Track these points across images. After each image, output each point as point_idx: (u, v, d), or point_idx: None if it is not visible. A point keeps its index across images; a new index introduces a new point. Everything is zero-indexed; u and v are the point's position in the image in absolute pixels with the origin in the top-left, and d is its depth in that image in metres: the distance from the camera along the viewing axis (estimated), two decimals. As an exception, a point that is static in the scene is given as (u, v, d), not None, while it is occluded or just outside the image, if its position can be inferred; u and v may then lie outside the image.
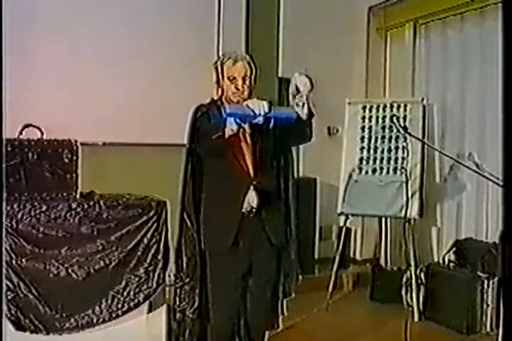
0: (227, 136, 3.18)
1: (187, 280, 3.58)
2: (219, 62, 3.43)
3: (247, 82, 3.39)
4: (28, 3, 5.01)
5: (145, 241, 3.79)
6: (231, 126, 3.15)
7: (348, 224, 5.47)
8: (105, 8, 5.31)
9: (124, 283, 3.77)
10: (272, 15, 6.06)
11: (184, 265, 3.55)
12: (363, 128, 5.47)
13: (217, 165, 3.38)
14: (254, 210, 3.34)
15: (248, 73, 3.39)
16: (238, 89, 3.37)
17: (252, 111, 3.13)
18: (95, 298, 3.73)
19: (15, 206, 3.58)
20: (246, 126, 3.30)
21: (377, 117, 5.43)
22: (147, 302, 3.82)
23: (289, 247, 3.59)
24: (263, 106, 3.14)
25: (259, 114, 3.13)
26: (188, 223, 3.46)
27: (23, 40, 4.86)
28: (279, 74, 6.13)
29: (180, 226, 3.51)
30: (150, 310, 3.84)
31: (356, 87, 6.39)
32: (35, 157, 3.73)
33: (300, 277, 3.68)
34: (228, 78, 3.39)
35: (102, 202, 3.76)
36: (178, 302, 3.61)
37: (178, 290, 3.63)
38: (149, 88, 5.35)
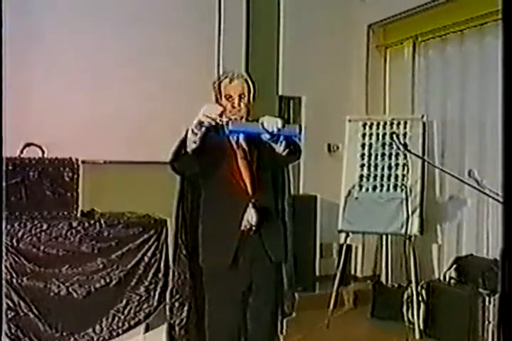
0: (189, 149, 3.17)
1: (177, 296, 3.58)
2: (217, 82, 3.45)
3: (244, 100, 3.38)
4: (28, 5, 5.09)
5: (146, 259, 3.80)
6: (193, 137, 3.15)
7: (348, 242, 5.47)
8: (102, 23, 5.37)
9: (124, 301, 3.78)
10: (272, 34, 6.11)
11: (175, 282, 3.56)
12: (363, 145, 5.48)
13: (215, 182, 3.37)
14: (253, 228, 3.33)
15: (245, 91, 3.39)
16: (234, 107, 3.36)
17: (263, 127, 3.11)
18: (96, 316, 3.73)
19: (15, 224, 3.59)
20: (243, 143, 3.31)
21: (378, 134, 5.44)
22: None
23: (287, 265, 3.59)
24: (276, 122, 3.13)
25: (272, 131, 3.11)
26: (179, 241, 3.47)
27: (23, 55, 4.88)
28: (280, 93, 6.18)
29: (174, 243, 3.51)
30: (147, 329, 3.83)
31: (356, 104, 6.40)
32: (36, 175, 3.75)
33: (296, 296, 3.67)
34: (225, 96, 3.39)
35: (102, 221, 3.77)
36: (168, 319, 3.63)
37: (168, 307, 3.65)
38: (150, 106, 5.39)
